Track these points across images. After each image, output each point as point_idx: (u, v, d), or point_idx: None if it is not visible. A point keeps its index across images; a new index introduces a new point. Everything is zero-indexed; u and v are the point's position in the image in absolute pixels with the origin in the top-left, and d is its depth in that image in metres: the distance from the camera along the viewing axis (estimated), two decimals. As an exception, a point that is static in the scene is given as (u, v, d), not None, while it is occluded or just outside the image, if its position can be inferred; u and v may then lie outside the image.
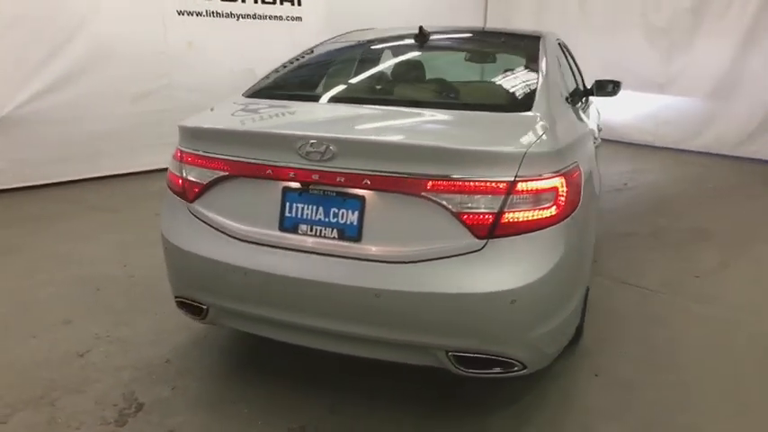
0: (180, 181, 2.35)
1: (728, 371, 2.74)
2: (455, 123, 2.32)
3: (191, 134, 2.35)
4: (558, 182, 2.02)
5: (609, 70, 5.80)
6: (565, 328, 2.27)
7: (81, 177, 5.80)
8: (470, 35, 3.66)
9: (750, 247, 4.37)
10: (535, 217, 1.98)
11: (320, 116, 2.50)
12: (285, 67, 3.04)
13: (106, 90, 5.77)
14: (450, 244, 1.98)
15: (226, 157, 2.20)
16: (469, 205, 1.96)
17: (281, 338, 2.31)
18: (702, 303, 3.42)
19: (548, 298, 2.07)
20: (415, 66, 3.13)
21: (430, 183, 1.96)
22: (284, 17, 6.97)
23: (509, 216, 1.95)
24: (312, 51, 3.24)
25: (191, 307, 2.41)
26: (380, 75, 3.09)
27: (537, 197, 1.98)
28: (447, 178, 1.95)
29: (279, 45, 6.88)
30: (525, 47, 3.04)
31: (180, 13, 6.13)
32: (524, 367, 2.10)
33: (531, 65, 2.76)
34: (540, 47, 2.97)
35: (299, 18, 7.09)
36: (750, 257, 4.19)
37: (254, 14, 6.71)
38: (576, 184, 2.15)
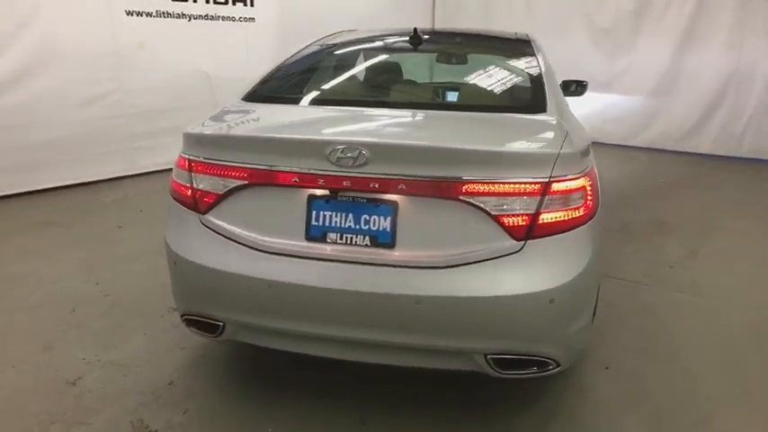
0: (189, 191, 2.21)
1: (726, 357, 2.87)
2: (480, 125, 2.30)
3: (199, 141, 2.21)
4: (584, 182, 2.06)
5: (556, 70, 5.94)
6: (589, 324, 2.31)
7: (26, 190, 5.36)
8: (462, 37, 3.65)
9: (711, 236, 4.61)
10: (567, 217, 2.01)
11: (342, 121, 2.40)
12: (281, 69, 2.92)
13: (51, 95, 5.35)
14: (489, 246, 1.96)
15: (244, 166, 2.09)
16: (505, 207, 1.96)
17: (308, 352, 2.21)
18: (685, 292, 3.58)
19: (581, 296, 2.11)
20: (420, 67, 3.10)
21: (466, 186, 1.94)
22: (237, 18, 6.75)
23: (545, 217, 1.97)
24: (305, 53, 3.13)
25: (203, 324, 2.28)
26: (386, 77, 3.03)
27: (568, 197, 2.01)
28: (484, 181, 1.93)
29: (232, 46, 6.72)
30: (520, 49, 3.07)
31: (129, 13, 5.80)
32: (558, 365, 2.12)
33: (531, 66, 2.80)
34: (534, 48, 3.02)
35: (252, 19, 6.89)
36: (714, 246, 4.41)
37: (206, 15, 6.45)
38: (596, 184, 2.19)
